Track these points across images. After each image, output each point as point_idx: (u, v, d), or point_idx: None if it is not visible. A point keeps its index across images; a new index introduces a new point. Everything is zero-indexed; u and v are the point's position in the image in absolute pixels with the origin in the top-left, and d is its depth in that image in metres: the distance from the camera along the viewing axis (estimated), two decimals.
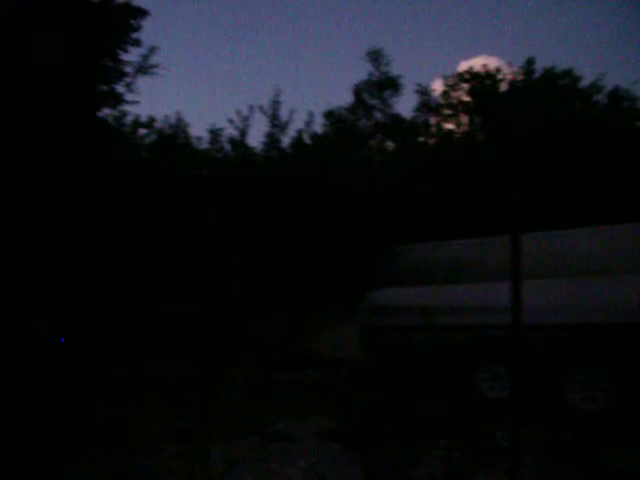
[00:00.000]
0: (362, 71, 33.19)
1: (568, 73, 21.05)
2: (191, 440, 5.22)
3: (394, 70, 21.87)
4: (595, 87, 20.91)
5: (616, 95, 20.46)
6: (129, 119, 19.16)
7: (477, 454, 4.94)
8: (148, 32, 15.69)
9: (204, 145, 22.26)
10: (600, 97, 20.96)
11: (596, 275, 6.00)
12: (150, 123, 20.23)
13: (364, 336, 7.64)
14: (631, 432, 5.38)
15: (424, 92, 21.88)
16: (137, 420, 6.15)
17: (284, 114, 22.61)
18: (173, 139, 20.47)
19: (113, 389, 7.40)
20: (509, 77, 22.11)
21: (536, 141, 17.42)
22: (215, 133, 22.75)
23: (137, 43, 15.44)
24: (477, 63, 34.88)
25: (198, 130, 45.89)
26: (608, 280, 5.89)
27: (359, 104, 21.82)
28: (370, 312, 7.52)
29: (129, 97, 15.72)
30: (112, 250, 14.86)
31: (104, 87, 15.03)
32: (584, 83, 21.21)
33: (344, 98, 31.72)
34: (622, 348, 5.78)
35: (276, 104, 22.70)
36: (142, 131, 20.01)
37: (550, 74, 21.25)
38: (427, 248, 7.65)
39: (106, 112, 16.19)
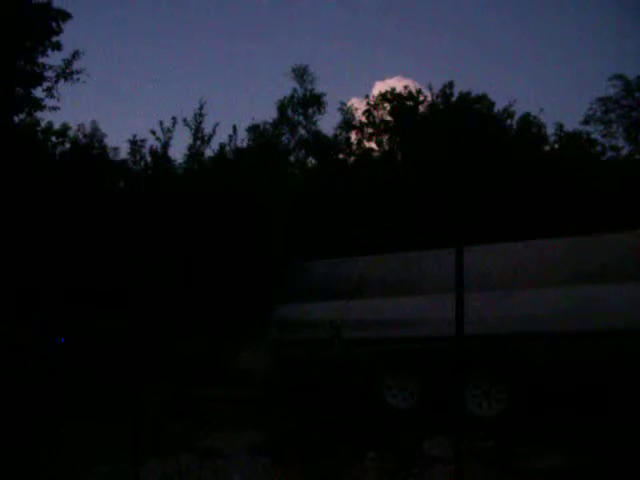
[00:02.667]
0: (287, 87, 33.41)
1: (483, 98, 21.99)
2: (120, 459, 5.03)
3: (318, 88, 22.20)
4: (508, 112, 21.96)
5: (526, 121, 21.53)
6: (41, 126, 18.38)
7: (408, 464, 5.04)
8: (75, 38, 15.13)
9: (122, 156, 21.63)
10: (512, 123, 22.02)
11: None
12: (64, 131, 19.47)
13: (272, 350, 7.64)
14: (537, 434, 5.65)
15: (347, 110, 22.30)
16: (62, 441, 5.91)
17: (208, 127, 22.36)
18: (88, 149, 19.74)
19: (34, 408, 7.04)
20: (429, 99, 22.88)
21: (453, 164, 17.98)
22: (136, 144, 22.18)
23: (57, 46, 14.89)
24: (392, 84, 35.89)
25: (120, 141, 44.75)
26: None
27: (283, 120, 21.94)
28: (277, 327, 7.53)
29: (49, 103, 15.02)
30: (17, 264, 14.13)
31: (21, 90, 14.37)
32: (497, 108, 22.24)
33: (269, 113, 31.80)
34: (510, 357, 6.07)
35: (200, 117, 22.46)
36: (54, 139, 19.22)
37: (466, 98, 22.13)
38: (332, 264, 7.80)
39: (21, 118, 15.44)
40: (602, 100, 21.89)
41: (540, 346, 6.09)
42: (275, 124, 21.83)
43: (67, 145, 19.75)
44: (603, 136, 22.01)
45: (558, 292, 6.16)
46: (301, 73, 22.17)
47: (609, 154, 21.90)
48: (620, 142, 21.95)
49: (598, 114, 22.02)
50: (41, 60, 14.60)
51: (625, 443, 5.25)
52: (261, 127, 22.15)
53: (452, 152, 18.85)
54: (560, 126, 21.87)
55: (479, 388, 6.28)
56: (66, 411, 7.15)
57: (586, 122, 22.09)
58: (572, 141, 21.53)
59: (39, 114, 15.97)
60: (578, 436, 5.51)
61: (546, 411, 6.11)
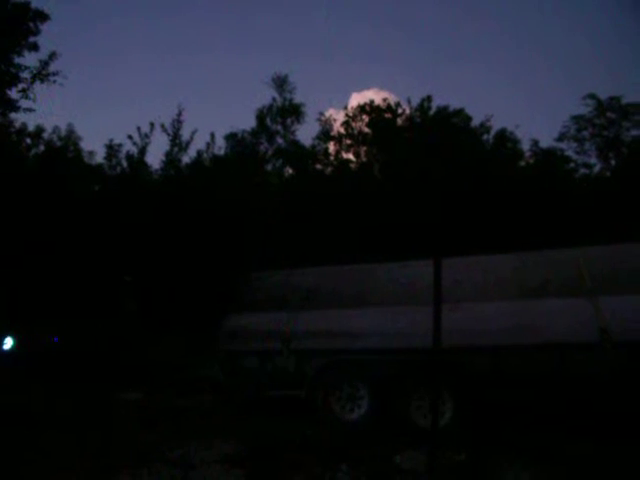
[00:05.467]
0: (267, 96, 33.46)
1: (460, 112, 22.28)
2: (90, 470, 4.92)
3: (297, 98, 22.26)
4: (484, 127, 22.27)
5: (502, 136, 21.86)
6: (15, 127, 18.07)
7: (380, 477, 5.03)
8: (53, 40, 14.98)
9: (98, 160, 21.40)
10: (488, 137, 22.33)
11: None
12: (38, 133, 19.18)
13: (223, 360, 7.57)
14: (503, 446, 5.70)
15: (325, 121, 22.39)
16: (29, 454, 5.67)
17: (186, 134, 22.24)
18: (62, 151, 19.46)
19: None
20: (407, 112, 23.09)
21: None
22: (112, 148, 21.94)
23: (34, 47, 14.70)
24: (369, 96, 36.22)
25: (96, 146, 44.27)
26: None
27: (261, 129, 21.93)
28: (229, 336, 7.48)
29: (24, 104, 14.79)
30: None
31: None
32: (474, 123, 22.54)
33: (248, 122, 31.80)
34: (453, 370, 6.14)
35: (178, 123, 22.32)
36: (28, 141, 18.92)
37: (444, 113, 22.39)
38: (284, 274, 7.82)
39: None
40: (575, 118, 22.39)
41: (483, 359, 6.20)
42: (254, 133, 21.80)
43: (42, 147, 19.44)
44: (577, 153, 22.52)
45: (502, 306, 6.32)
46: (281, 83, 22.22)
47: (582, 171, 22.37)
48: (593, 159, 22.47)
49: (572, 132, 22.52)
50: (17, 60, 14.44)
51: (579, 451, 5.40)
52: (239, 135, 22.12)
53: (429, 165, 19.04)
54: (535, 142, 22.29)
55: (424, 399, 6.36)
56: (33, 422, 6.92)
57: (560, 139, 22.57)
58: (547, 157, 21.92)
59: (13, 115, 15.78)
60: (537, 446, 5.62)
61: (492, 423, 6.19)
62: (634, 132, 21.77)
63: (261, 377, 7.11)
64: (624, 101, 21.56)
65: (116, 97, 51.51)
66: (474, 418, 6.16)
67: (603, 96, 22.00)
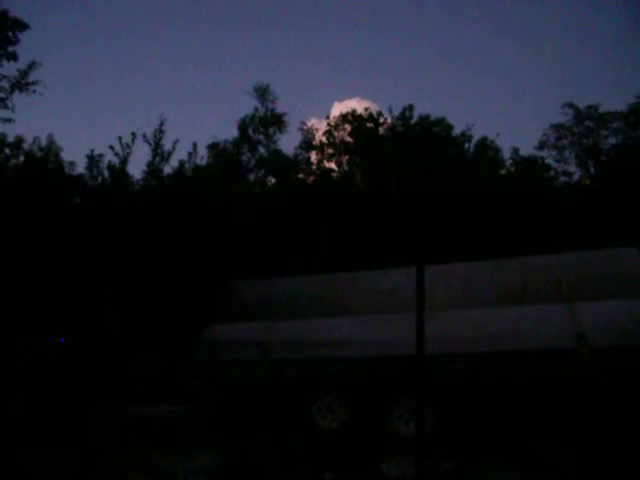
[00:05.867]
0: (249, 106, 33.47)
1: (441, 121, 22.47)
2: None
3: (279, 107, 22.24)
4: (465, 136, 22.48)
5: (483, 145, 22.07)
6: None
7: None
8: (33, 49, 14.87)
9: (79, 171, 21.20)
10: (469, 146, 22.54)
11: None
12: (18, 144, 18.98)
13: (203, 371, 7.50)
14: (488, 453, 5.71)
15: (308, 130, 22.43)
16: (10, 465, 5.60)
17: (167, 144, 22.13)
18: (43, 162, 19.26)
19: None
20: (389, 121, 23.23)
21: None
22: (93, 159, 21.76)
23: (13, 57, 14.57)
24: (351, 105, 36.34)
25: (77, 156, 43.83)
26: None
27: (244, 138, 21.87)
28: (208, 347, 7.41)
29: (3, 114, 14.68)
30: None
31: None
32: (455, 132, 22.75)
33: (230, 132, 31.76)
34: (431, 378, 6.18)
35: (160, 133, 22.21)
36: (7, 151, 18.70)
37: (425, 122, 22.56)
38: (263, 284, 7.78)
39: None
40: (555, 127, 22.67)
41: (461, 366, 6.22)
42: (236, 143, 21.74)
43: (21, 158, 19.22)
44: (556, 161, 22.80)
45: (479, 313, 6.35)
46: (262, 92, 22.19)
47: (562, 179, 22.65)
48: (572, 168, 22.76)
49: (551, 140, 22.80)
50: None
51: (560, 456, 5.44)
52: (221, 145, 22.05)
53: (411, 173, 19.15)
54: (516, 150, 22.55)
55: (405, 407, 6.36)
56: (12, 438, 6.78)
57: (540, 147, 22.84)
58: (527, 165, 22.16)
59: None
60: (520, 452, 5.64)
61: (474, 429, 6.20)
62: (612, 140, 22.13)
63: (241, 388, 7.06)
64: (602, 110, 21.93)
65: (97, 108, 51.25)
66: (456, 425, 6.16)
67: (582, 105, 22.36)
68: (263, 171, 20.83)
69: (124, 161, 22.02)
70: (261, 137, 21.50)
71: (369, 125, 22.88)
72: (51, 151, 20.15)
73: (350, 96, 60.46)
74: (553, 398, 5.95)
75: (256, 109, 21.91)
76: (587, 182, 22.33)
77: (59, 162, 20.38)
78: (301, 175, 21.36)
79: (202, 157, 21.27)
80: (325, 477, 5.23)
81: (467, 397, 6.22)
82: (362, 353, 6.57)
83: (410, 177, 18.65)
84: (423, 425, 5.93)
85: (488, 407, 6.24)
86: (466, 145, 22.62)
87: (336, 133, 23.05)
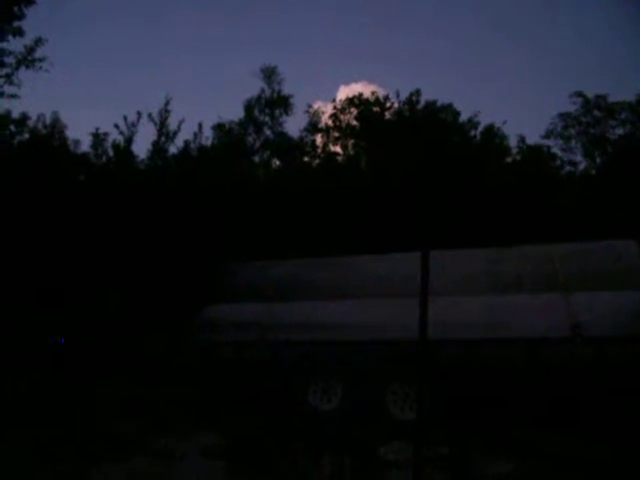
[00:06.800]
0: (255, 88, 33.30)
1: (448, 108, 22.30)
2: (69, 461, 4.91)
3: (285, 90, 22.16)
4: (472, 123, 22.31)
5: (489, 132, 21.92)
6: None
7: (364, 468, 5.11)
8: (39, 25, 14.74)
9: (84, 149, 21.17)
10: (476, 133, 22.38)
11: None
12: (23, 120, 18.90)
13: (201, 351, 7.55)
14: (486, 438, 5.76)
15: (314, 113, 22.33)
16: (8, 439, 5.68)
17: (173, 124, 22.05)
18: (47, 140, 19.21)
19: None
20: (395, 106, 23.07)
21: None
22: (98, 137, 21.69)
23: (19, 32, 14.46)
24: (357, 89, 36.06)
25: (82, 134, 43.64)
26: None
27: (249, 120, 21.82)
28: (206, 327, 7.45)
29: (8, 90, 14.58)
30: None
31: None
32: (462, 118, 22.57)
33: (236, 113, 31.57)
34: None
35: (165, 112, 22.12)
36: (12, 128, 18.61)
37: (432, 107, 22.39)
38: (261, 265, 7.81)
39: None
40: (562, 116, 22.49)
41: (457, 352, 6.24)
42: (241, 123, 21.68)
43: (26, 135, 19.19)
44: (563, 150, 22.65)
45: (476, 300, 6.36)
46: (269, 74, 22.10)
47: (567, 168, 22.51)
48: (578, 157, 22.62)
49: (558, 129, 22.63)
50: (1, 45, 14.19)
51: (556, 444, 5.48)
52: (227, 126, 22.00)
53: (417, 159, 19.05)
54: (522, 139, 22.37)
55: (400, 392, 6.40)
56: (14, 414, 6.86)
57: (547, 136, 22.68)
58: (533, 153, 22.01)
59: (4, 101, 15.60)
60: (516, 439, 5.67)
61: (472, 415, 6.25)
62: (619, 131, 21.95)
63: (237, 368, 7.11)
64: (610, 99, 21.73)
65: (103, 87, 51.00)
66: (454, 411, 6.19)
67: (590, 94, 22.15)
68: (268, 153, 20.81)
69: (129, 140, 22.03)
70: (267, 119, 21.47)
71: (375, 109, 22.74)
72: (56, 129, 20.11)
73: (357, 80, 59.94)
74: (547, 387, 5.99)
75: (262, 90, 21.85)
76: (593, 172, 22.20)
77: (64, 140, 20.34)
78: (306, 158, 21.32)
79: (207, 138, 21.23)
80: (323, 459, 5.29)
81: (461, 383, 6.25)
82: (358, 337, 6.61)
83: (415, 163, 18.56)
84: (421, 409, 6.06)
85: (482, 394, 6.28)
86: (472, 132, 22.48)
87: (342, 117, 22.93)
